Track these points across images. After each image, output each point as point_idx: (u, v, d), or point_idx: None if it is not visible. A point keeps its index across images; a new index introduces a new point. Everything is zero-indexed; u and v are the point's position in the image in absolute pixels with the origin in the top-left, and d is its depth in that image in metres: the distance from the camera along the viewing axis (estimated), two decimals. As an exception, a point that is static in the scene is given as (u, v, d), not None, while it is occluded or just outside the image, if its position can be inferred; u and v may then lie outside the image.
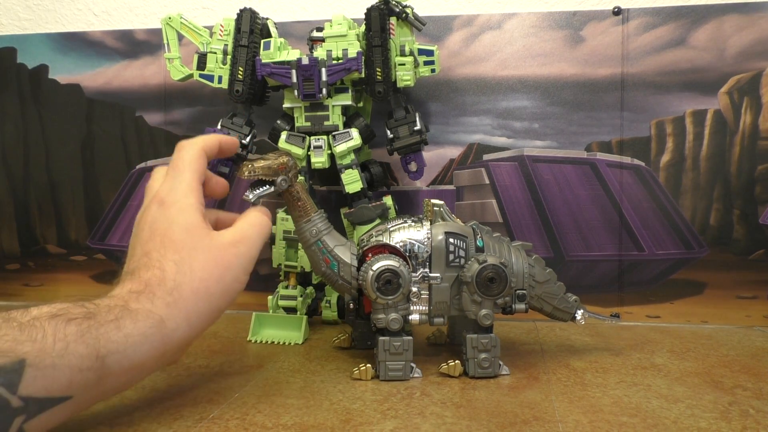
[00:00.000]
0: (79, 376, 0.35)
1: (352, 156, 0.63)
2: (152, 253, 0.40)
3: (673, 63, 0.71)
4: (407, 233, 0.51)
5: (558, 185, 0.74)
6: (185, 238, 0.40)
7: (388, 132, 0.65)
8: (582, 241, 0.73)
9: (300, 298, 0.64)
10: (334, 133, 0.63)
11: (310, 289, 0.67)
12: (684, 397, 0.45)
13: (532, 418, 0.41)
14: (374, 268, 0.48)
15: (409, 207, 0.76)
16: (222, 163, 0.65)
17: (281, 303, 0.64)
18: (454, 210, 0.75)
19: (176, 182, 0.43)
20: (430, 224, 0.51)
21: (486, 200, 0.75)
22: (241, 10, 0.64)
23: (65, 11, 0.85)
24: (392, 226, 0.51)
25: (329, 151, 0.63)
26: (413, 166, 0.66)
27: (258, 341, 0.62)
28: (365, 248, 0.50)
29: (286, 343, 0.62)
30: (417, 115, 0.65)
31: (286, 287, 0.65)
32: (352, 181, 0.63)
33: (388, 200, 0.66)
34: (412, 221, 0.52)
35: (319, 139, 0.63)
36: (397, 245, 0.50)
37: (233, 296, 0.42)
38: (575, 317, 0.54)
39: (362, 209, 0.64)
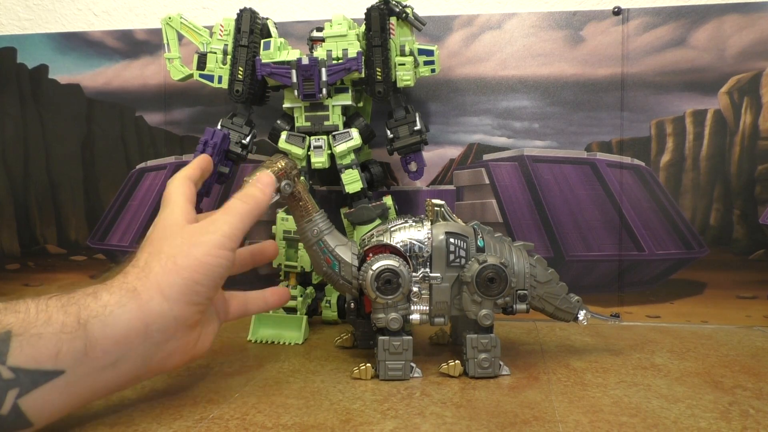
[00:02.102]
0: (66, 346, 0.35)
1: (352, 156, 0.63)
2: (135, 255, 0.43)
3: (673, 63, 0.71)
4: (408, 233, 0.51)
5: (558, 185, 0.74)
6: (160, 234, 0.43)
7: (388, 132, 0.65)
8: (582, 241, 0.73)
9: (300, 298, 0.64)
10: (334, 133, 0.63)
11: (310, 289, 0.67)
12: (684, 397, 0.45)
13: (532, 418, 0.41)
14: (374, 267, 0.48)
15: (409, 207, 0.76)
16: (222, 163, 0.65)
17: (281, 303, 0.64)
18: (454, 210, 0.75)
19: (166, 209, 0.46)
20: (431, 224, 0.51)
21: (486, 200, 0.75)
22: (241, 10, 0.64)
23: (65, 11, 0.85)
24: (393, 226, 0.51)
25: (329, 151, 0.63)
26: (413, 166, 0.66)
27: (258, 341, 0.62)
28: (366, 248, 0.50)
29: (286, 343, 0.62)
30: (417, 115, 0.65)
31: (286, 287, 0.65)
32: (352, 181, 0.63)
33: (388, 200, 0.66)
34: (413, 221, 0.52)
35: (319, 139, 0.63)
36: (398, 245, 0.50)
37: (211, 270, 0.42)
38: (577, 318, 0.54)
39: (362, 209, 0.64)
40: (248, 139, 0.65)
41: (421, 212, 0.75)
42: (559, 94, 0.73)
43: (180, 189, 0.47)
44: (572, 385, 0.48)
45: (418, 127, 0.64)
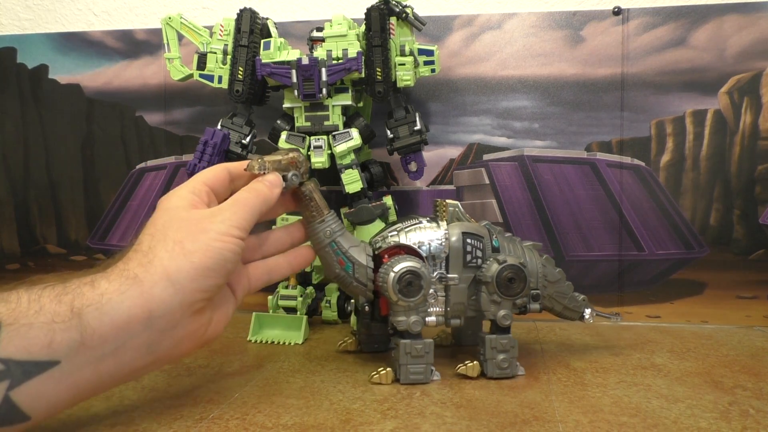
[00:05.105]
0: (59, 336, 0.34)
1: (352, 156, 0.63)
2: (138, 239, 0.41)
3: (673, 63, 0.71)
4: (425, 234, 0.50)
5: (558, 185, 0.74)
6: (164, 216, 0.41)
7: (388, 132, 0.65)
8: (582, 241, 0.73)
9: (300, 298, 0.64)
10: (334, 133, 0.63)
11: (310, 289, 0.67)
12: (684, 397, 0.45)
13: (532, 418, 0.41)
14: (396, 269, 0.47)
15: (409, 207, 0.76)
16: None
17: (281, 303, 0.64)
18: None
19: (170, 195, 0.43)
20: (446, 224, 0.50)
21: (486, 200, 0.75)
22: (241, 10, 0.64)
23: (65, 11, 0.85)
24: (407, 227, 0.50)
25: (329, 151, 0.63)
26: (413, 166, 0.66)
27: (258, 341, 0.62)
28: (381, 249, 0.49)
29: (286, 343, 0.62)
30: (417, 115, 0.65)
31: (286, 287, 0.65)
32: (352, 181, 0.63)
33: (388, 200, 0.66)
34: (427, 221, 0.51)
35: (319, 139, 0.63)
36: (415, 246, 0.49)
37: (221, 254, 0.40)
38: (583, 316, 0.54)
39: (362, 209, 0.64)
40: (248, 139, 0.65)
41: (422, 212, 0.75)
42: (559, 94, 0.73)
43: (188, 183, 0.45)
44: (572, 385, 0.48)
45: (418, 127, 0.64)
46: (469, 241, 0.50)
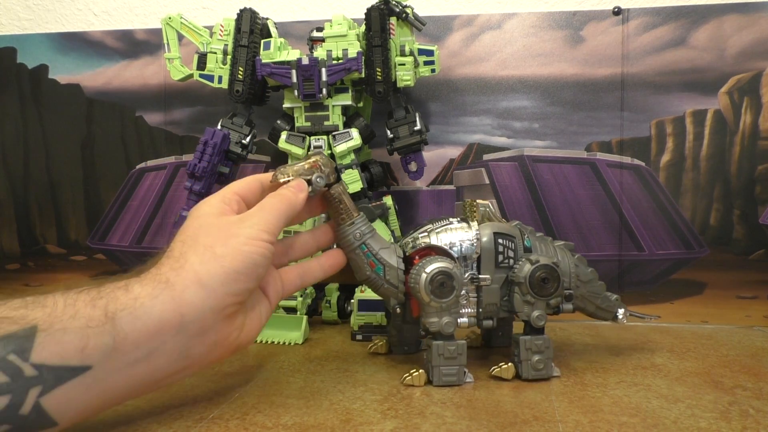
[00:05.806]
0: (93, 341, 0.34)
1: (352, 156, 0.63)
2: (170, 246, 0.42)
3: (673, 63, 0.71)
4: (456, 234, 0.49)
5: (558, 185, 0.74)
6: (194, 223, 0.42)
7: (388, 132, 0.65)
8: (582, 241, 0.73)
9: (300, 298, 0.64)
10: (334, 133, 0.63)
11: (310, 289, 0.67)
12: (684, 397, 0.45)
13: (532, 418, 0.41)
14: (427, 270, 0.46)
15: (409, 207, 0.76)
16: (222, 163, 0.65)
17: (281, 303, 0.64)
18: (453, 210, 0.75)
19: (201, 203, 0.44)
20: (478, 225, 0.50)
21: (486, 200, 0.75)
22: (241, 10, 0.64)
23: (65, 11, 0.85)
24: (437, 228, 0.50)
25: (329, 151, 0.63)
26: (413, 166, 0.66)
27: (258, 341, 0.62)
28: (411, 251, 0.49)
29: (286, 343, 0.62)
30: (417, 115, 0.65)
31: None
32: (352, 181, 0.63)
33: (388, 200, 0.66)
34: (458, 222, 0.50)
35: (319, 139, 0.63)
36: (447, 246, 0.49)
37: (251, 258, 0.40)
38: (617, 316, 0.53)
39: (362, 209, 0.63)
40: (248, 139, 0.65)
41: (422, 212, 0.75)
42: (559, 94, 0.73)
43: (219, 192, 0.45)
44: (572, 385, 0.48)
45: (418, 127, 0.64)
46: (500, 241, 0.49)
